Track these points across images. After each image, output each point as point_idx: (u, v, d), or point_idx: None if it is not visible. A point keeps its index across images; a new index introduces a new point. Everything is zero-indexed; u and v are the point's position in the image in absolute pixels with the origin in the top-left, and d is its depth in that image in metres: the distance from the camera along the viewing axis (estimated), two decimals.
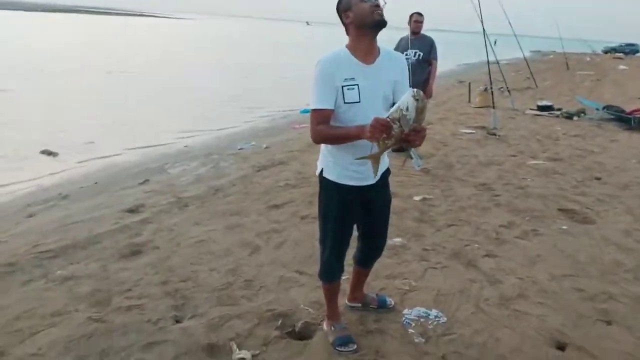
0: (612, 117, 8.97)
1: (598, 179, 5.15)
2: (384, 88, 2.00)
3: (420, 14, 5.66)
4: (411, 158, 5.44)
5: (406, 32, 5.71)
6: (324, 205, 2.22)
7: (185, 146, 6.87)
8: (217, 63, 18.58)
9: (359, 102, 1.96)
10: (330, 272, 2.30)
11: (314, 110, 1.98)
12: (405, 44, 5.60)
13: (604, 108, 9.34)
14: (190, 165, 5.67)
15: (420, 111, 1.67)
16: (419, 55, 5.56)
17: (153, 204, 4.15)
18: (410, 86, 4.65)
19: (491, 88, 8.80)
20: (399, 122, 1.67)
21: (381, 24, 1.94)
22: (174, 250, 3.25)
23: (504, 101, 10.26)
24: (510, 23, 9.11)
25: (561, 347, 2.33)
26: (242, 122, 8.69)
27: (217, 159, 5.85)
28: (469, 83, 11.76)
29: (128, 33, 37.75)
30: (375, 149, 1.82)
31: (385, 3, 2.03)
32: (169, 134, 7.42)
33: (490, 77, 8.94)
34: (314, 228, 2.55)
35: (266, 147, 6.43)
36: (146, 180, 5.02)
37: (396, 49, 5.34)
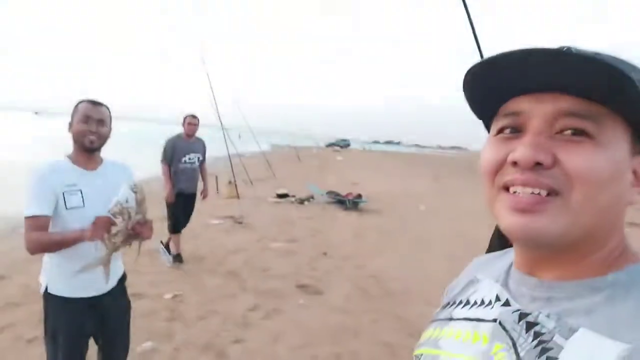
0: (333, 200, 10.87)
1: (325, 254, 6.10)
2: (109, 192, 2.02)
3: (194, 117, 5.49)
4: (161, 253, 5.36)
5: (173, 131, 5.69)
6: (52, 324, 2.01)
7: None
8: None
9: (83, 206, 1.95)
10: None
11: (29, 218, 1.87)
12: (185, 145, 5.39)
13: (327, 193, 11.25)
14: None
15: (140, 202, 1.76)
16: (199, 158, 5.50)
17: None
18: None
19: (234, 180, 9.55)
20: (121, 216, 1.71)
21: (90, 150, 2.02)
22: None
23: (249, 191, 11.22)
24: (246, 121, 10.36)
25: None
26: None
27: None
28: (216, 176, 12.47)
29: None
30: (101, 252, 1.81)
31: (111, 129, 2.11)
32: None
33: (232, 170, 9.73)
34: (45, 351, 2.24)
35: None
36: None
37: (172, 150, 5.27)
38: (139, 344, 3.25)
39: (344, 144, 65.09)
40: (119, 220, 1.72)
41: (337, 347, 3.38)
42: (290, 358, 3.20)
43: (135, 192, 1.74)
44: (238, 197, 8.81)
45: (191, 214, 5.72)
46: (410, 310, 4.21)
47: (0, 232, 7.05)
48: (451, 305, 0.64)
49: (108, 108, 2.09)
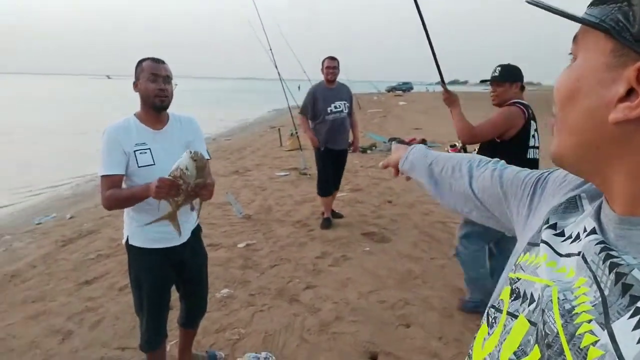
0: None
1: (390, 202, 6.06)
2: (177, 150, 2.08)
3: (333, 58, 4.77)
4: (232, 205, 5.59)
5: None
6: (135, 274, 2.18)
7: None
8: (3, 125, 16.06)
9: (154, 164, 2.04)
10: (151, 341, 2.23)
11: (103, 177, 2.00)
12: (329, 93, 4.78)
13: (389, 140, 11.05)
14: None
15: (201, 169, 1.83)
16: (347, 106, 4.85)
17: None
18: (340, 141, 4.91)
19: (296, 132, 9.60)
20: (181, 179, 1.80)
21: (161, 109, 2.08)
22: None
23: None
24: (305, 72, 10.25)
25: (374, 356, 2.67)
26: (39, 192, 7.69)
27: (10, 239, 5.07)
28: (279, 128, 12.63)
29: None
30: (164, 208, 1.91)
31: (177, 85, 2.14)
32: None
33: (293, 122, 9.76)
34: None
35: (71, 217, 5.82)
36: None
37: (312, 100, 4.77)
38: (218, 291, 3.47)
39: (406, 88, 62.81)
40: (181, 182, 1.81)
41: (406, 293, 3.41)
42: (359, 302, 3.28)
43: (195, 160, 1.81)
44: (301, 148, 8.86)
45: (342, 171, 5.21)
46: None
47: (87, 191, 7.71)
48: (545, 226, 0.60)
49: None
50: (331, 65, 4.75)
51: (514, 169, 0.80)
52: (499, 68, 2.93)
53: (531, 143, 2.85)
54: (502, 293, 0.60)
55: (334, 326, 2.97)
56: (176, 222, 1.97)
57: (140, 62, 2.08)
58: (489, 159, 0.90)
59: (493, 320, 0.59)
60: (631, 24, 0.42)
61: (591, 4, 0.47)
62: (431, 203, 6.00)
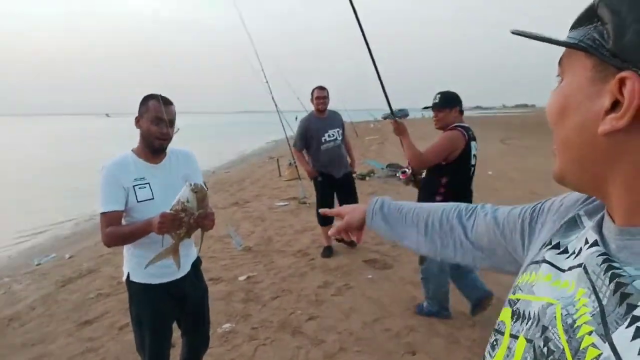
0: (395, 173, 10.68)
1: None
2: (175, 183, 2.08)
3: (322, 88, 4.80)
4: (232, 238, 5.56)
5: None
6: (136, 310, 2.16)
7: None
8: None
9: (153, 198, 2.05)
10: None
11: (103, 214, 2.01)
12: (321, 123, 4.77)
13: (387, 166, 11.09)
14: None
15: (201, 200, 1.83)
16: (340, 133, 4.85)
17: None
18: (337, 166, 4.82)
19: (295, 161, 9.64)
20: (183, 212, 1.80)
21: (159, 152, 2.11)
22: None
23: None
24: (301, 103, 10.38)
25: None
26: (39, 233, 7.66)
27: (9, 281, 5.03)
28: (277, 158, 12.70)
29: None
30: (168, 242, 1.90)
31: (178, 129, 2.15)
32: None
33: (291, 152, 9.83)
34: None
35: (70, 257, 5.79)
36: None
37: (304, 133, 4.79)
38: (220, 325, 3.42)
39: (401, 114, 63.19)
40: (183, 215, 1.80)
41: (410, 320, 3.37)
42: (363, 332, 3.23)
43: (195, 192, 1.81)
44: (299, 177, 8.89)
45: (354, 195, 5.10)
46: (486, 279, 4.07)
47: (87, 229, 7.69)
48: (548, 247, 0.61)
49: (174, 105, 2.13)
50: (321, 95, 4.78)
51: (505, 208, 0.82)
52: (439, 95, 3.14)
53: (472, 162, 3.06)
54: (501, 314, 0.61)
55: (339, 357, 2.91)
56: (177, 255, 1.96)
57: (147, 99, 2.07)
58: (472, 205, 0.91)
59: (494, 343, 0.59)
60: (606, 40, 0.45)
61: (571, 28, 0.51)
62: None
